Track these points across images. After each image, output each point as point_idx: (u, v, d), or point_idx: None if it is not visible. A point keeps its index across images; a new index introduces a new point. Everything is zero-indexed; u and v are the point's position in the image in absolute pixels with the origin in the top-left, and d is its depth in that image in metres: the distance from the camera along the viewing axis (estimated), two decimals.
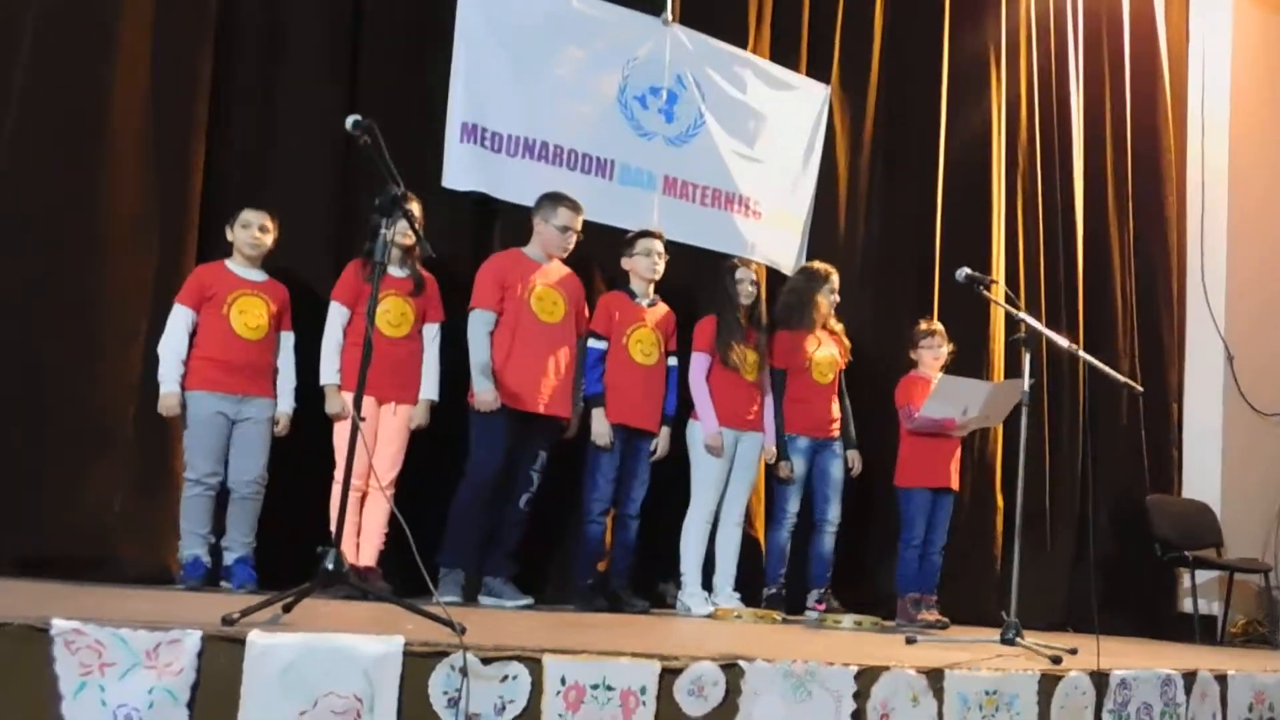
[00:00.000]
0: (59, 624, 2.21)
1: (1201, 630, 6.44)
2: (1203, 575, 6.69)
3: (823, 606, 5.19)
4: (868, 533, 5.73)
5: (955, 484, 5.59)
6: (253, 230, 4.29)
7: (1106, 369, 4.42)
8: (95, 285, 4.19)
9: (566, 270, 4.82)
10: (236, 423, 4.21)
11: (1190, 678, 3.78)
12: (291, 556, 3.75)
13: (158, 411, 4.15)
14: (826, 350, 5.36)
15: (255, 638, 2.37)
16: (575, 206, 4.76)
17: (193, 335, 4.20)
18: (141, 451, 4.23)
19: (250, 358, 4.24)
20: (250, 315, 4.25)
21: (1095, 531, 6.74)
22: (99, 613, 2.35)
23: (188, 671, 2.28)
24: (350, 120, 3.12)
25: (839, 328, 5.47)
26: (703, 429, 5.00)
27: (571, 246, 4.77)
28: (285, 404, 4.32)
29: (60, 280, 4.13)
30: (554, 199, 4.75)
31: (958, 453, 5.62)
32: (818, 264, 5.48)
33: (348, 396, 4.22)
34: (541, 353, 4.63)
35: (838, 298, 5.40)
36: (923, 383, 5.51)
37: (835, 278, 5.39)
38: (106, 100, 4.25)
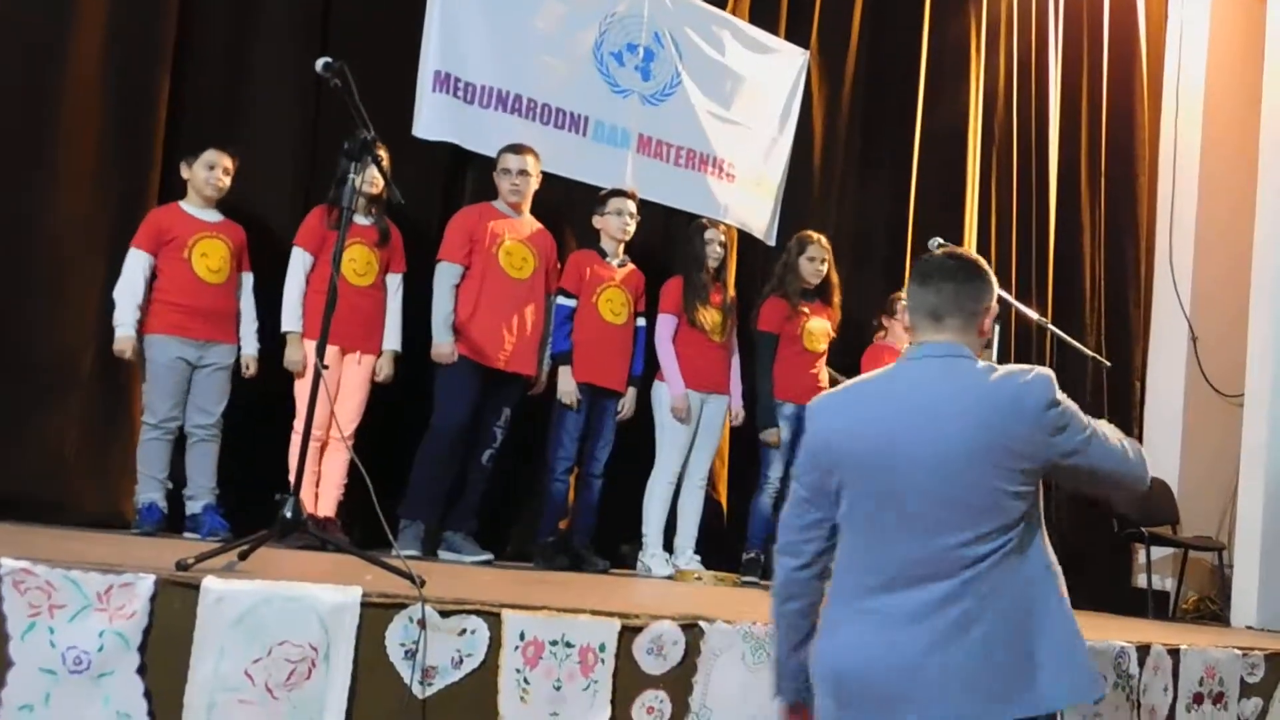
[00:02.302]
0: (7, 563, 2.17)
1: (1155, 605, 6.52)
2: (1158, 552, 6.76)
3: None
4: None
5: None
6: (217, 172, 4.19)
7: (1074, 342, 4.44)
8: (53, 225, 4.09)
9: (538, 226, 4.76)
10: (197, 368, 4.14)
11: (1144, 651, 3.82)
12: (254, 505, 3.71)
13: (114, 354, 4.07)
14: (819, 320, 5.32)
15: (210, 584, 2.33)
16: (517, 149, 4.66)
17: (152, 280, 4.12)
18: (100, 396, 4.16)
19: (213, 301, 4.17)
20: (212, 258, 4.17)
21: (1054, 505, 6.79)
22: (51, 554, 2.31)
23: (140, 615, 2.25)
24: (321, 62, 3.06)
25: (835, 301, 5.41)
26: (669, 391, 4.97)
27: (525, 189, 4.66)
28: (250, 346, 4.26)
29: (17, 220, 4.02)
30: (503, 148, 4.69)
31: None
32: (807, 231, 5.42)
33: (310, 345, 4.14)
34: (507, 309, 4.57)
35: (824, 266, 5.32)
36: (890, 353, 5.49)
37: (817, 246, 5.28)
38: (66, 32, 4.12)
